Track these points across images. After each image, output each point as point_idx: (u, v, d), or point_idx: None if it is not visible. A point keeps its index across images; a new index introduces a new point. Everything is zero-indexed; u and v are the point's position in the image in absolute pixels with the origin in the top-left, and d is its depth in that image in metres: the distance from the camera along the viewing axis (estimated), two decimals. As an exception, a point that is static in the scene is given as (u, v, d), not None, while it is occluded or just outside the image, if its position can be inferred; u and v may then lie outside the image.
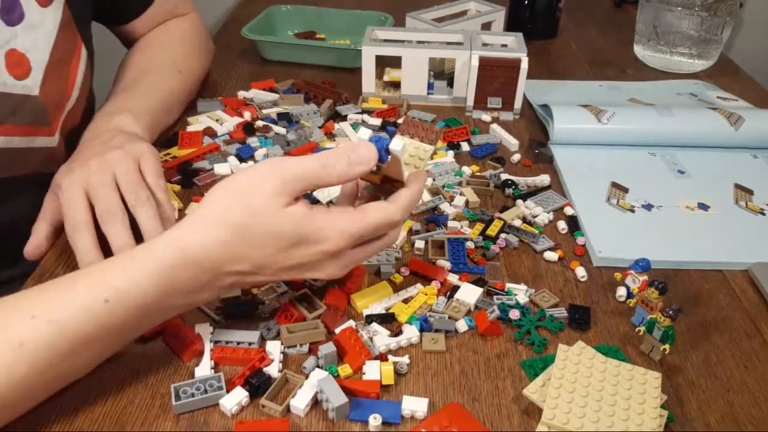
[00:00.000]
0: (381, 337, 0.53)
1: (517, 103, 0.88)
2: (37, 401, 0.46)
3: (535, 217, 0.69)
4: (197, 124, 0.83)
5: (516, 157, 0.79)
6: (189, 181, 0.72)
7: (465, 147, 0.81)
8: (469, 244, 0.64)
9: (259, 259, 0.47)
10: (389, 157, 0.49)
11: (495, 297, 0.58)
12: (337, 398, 0.46)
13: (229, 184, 0.48)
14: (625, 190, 0.74)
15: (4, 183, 0.66)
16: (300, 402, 0.47)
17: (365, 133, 0.53)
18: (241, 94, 0.91)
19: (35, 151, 0.67)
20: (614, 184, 0.74)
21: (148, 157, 0.61)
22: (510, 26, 1.14)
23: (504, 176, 0.75)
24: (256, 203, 0.46)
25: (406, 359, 0.51)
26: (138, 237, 0.56)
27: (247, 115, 0.85)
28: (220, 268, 0.47)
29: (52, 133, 0.68)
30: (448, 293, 0.58)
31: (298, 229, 0.47)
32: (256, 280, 0.49)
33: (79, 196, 0.57)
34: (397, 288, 0.58)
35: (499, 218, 0.67)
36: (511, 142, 0.82)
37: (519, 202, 0.71)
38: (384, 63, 0.93)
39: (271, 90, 0.92)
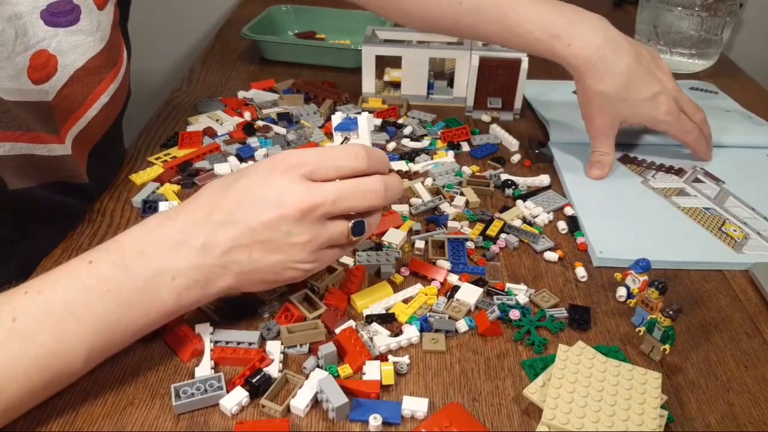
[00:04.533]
0: (381, 337, 0.53)
1: (517, 104, 0.88)
2: (33, 390, 0.44)
3: (535, 217, 0.68)
4: (197, 124, 0.83)
5: (516, 157, 0.79)
6: (189, 181, 0.72)
7: (465, 147, 0.81)
8: (469, 244, 0.64)
9: (236, 210, 0.47)
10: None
11: (495, 297, 0.58)
12: (337, 398, 0.46)
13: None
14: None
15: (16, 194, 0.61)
16: (300, 402, 0.47)
17: (338, 116, 0.55)
18: (241, 94, 0.91)
19: (45, 159, 0.61)
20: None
21: None
22: (510, 26, 1.14)
23: (504, 176, 0.75)
24: (243, 171, 0.49)
25: (406, 359, 0.51)
26: None
27: (247, 115, 0.85)
28: (198, 224, 0.47)
29: (61, 141, 0.62)
30: (448, 293, 0.58)
31: (270, 189, 0.47)
32: (243, 258, 0.47)
33: None
34: (397, 288, 0.58)
35: (499, 218, 0.67)
36: (511, 142, 0.82)
37: (519, 202, 0.71)
38: (384, 63, 0.93)
39: (271, 90, 0.92)
